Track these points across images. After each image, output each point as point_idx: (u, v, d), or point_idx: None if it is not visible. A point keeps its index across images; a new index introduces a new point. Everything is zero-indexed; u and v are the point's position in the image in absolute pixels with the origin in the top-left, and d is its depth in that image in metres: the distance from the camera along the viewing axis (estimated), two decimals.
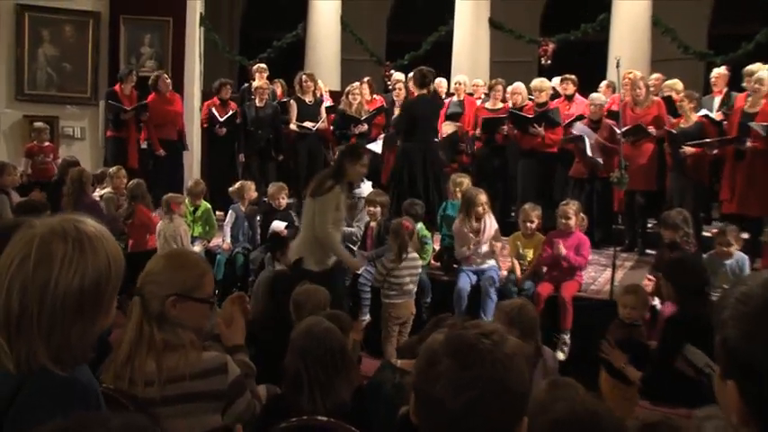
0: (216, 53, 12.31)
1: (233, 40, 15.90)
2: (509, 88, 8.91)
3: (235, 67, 14.62)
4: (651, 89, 7.67)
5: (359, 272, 6.06)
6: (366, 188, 6.72)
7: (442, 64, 11.62)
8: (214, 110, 9.06)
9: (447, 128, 8.66)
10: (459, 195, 6.57)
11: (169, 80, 8.86)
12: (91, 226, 1.48)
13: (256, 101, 8.95)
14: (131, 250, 6.64)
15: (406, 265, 5.43)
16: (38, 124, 9.10)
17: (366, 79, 9.34)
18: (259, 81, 9.29)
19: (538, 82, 8.14)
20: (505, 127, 8.19)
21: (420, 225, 6.12)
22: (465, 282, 5.80)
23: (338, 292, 4.95)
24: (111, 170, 7.66)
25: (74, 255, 1.41)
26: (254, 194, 7.26)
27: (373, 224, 6.24)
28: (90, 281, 1.42)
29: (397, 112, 8.12)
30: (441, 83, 9.72)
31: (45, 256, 1.40)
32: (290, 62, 11.98)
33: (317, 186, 5.09)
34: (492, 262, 5.93)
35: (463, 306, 5.71)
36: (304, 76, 8.89)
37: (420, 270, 5.61)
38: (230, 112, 8.92)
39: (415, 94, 7.15)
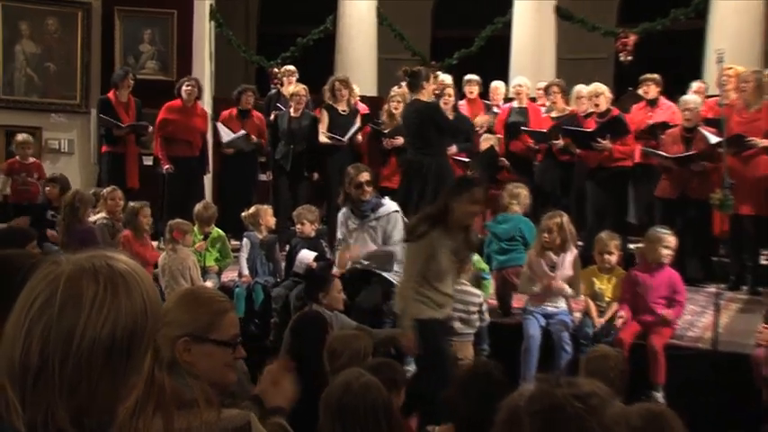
0: (229, 52, 12.47)
1: (249, 37, 16.13)
2: (572, 92, 8.84)
3: (252, 69, 14.80)
4: None
5: None
6: (388, 207, 6.67)
7: (500, 63, 11.64)
8: (221, 125, 9.10)
9: (485, 142, 8.62)
10: (516, 208, 6.61)
11: (190, 87, 8.86)
12: (123, 263, 1.47)
13: (291, 110, 9.00)
14: None
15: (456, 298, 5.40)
16: (21, 137, 9.18)
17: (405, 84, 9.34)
18: (291, 86, 9.36)
19: (593, 87, 8.09)
20: (559, 141, 8.13)
21: (476, 257, 6.09)
22: (535, 328, 5.69)
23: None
24: (104, 191, 7.71)
25: (105, 297, 1.40)
26: (272, 220, 7.26)
27: None
28: (123, 328, 1.40)
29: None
30: (497, 87, 9.71)
31: (72, 299, 1.39)
32: (316, 63, 12.08)
33: (410, 229, 5.08)
34: (562, 303, 5.89)
35: (534, 361, 5.59)
36: (337, 83, 8.94)
37: (476, 307, 5.56)
38: (239, 134, 8.98)
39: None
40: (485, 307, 5.55)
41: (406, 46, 12.61)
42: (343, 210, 6.66)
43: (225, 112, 9.42)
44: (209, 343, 2.14)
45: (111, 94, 9.02)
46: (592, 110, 8.10)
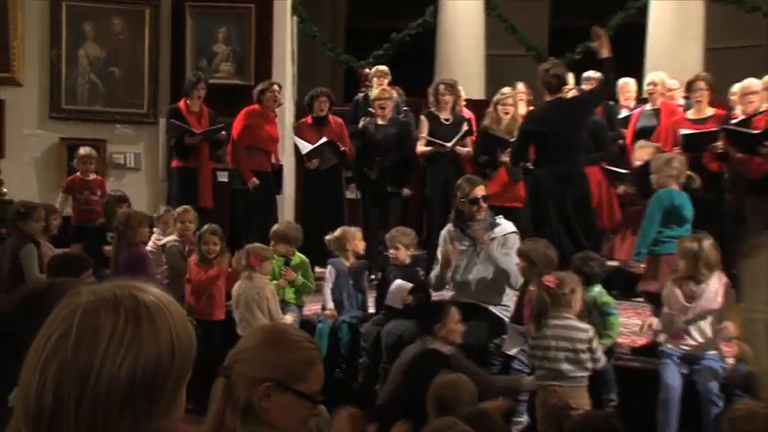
0: (314, 51, 12.62)
1: (336, 34, 16.32)
2: (734, 88, 8.53)
3: (339, 71, 14.96)
4: None
5: (511, 353, 6.01)
6: (504, 228, 6.62)
7: (632, 57, 11.39)
8: (297, 139, 9.22)
9: (642, 151, 8.43)
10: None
11: (274, 93, 9.07)
12: (152, 295, 1.52)
13: (378, 118, 9.07)
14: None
15: (554, 334, 5.31)
16: (84, 150, 9.44)
17: (520, 84, 9.24)
18: (378, 89, 9.45)
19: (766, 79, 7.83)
20: (719, 144, 7.89)
21: (598, 289, 6.00)
22: (674, 376, 5.54)
23: None
24: (175, 211, 7.90)
25: (125, 331, 1.45)
26: (361, 244, 7.27)
27: (532, 287, 6.09)
28: (144, 366, 1.44)
29: None
30: (626, 84, 9.52)
31: (88, 333, 1.44)
32: (414, 62, 12.11)
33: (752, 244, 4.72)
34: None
35: (673, 417, 5.43)
36: (442, 86, 9.01)
37: (584, 344, 5.38)
38: (321, 141, 9.07)
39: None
40: (595, 344, 5.36)
41: (520, 39, 12.47)
42: (449, 227, 6.70)
43: (301, 121, 9.55)
44: (292, 393, 2.25)
45: (181, 103, 9.21)
46: (762, 108, 7.83)
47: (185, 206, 7.98)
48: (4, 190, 9.23)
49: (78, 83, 10.67)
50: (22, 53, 10.58)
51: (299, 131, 9.43)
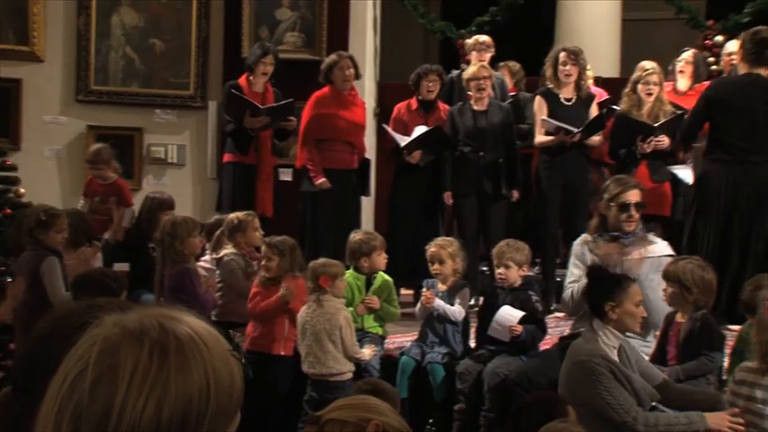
0: (402, 19, 12.62)
1: None
2: None
3: (434, 43, 14.90)
4: None
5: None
6: (659, 249, 6.57)
7: None
8: (389, 129, 9.20)
9: None
10: None
11: (352, 69, 9.03)
12: (187, 326, 1.56)
13: (472, 101, 9.06)
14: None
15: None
16: (97, 146, 9.50)
17: (686, 54, 9.17)
18: (475, 66, 9.33)
19: None
20: None
21: None
22: None
23: None
24: (236, 217, 7.72)
25: (149, 368, 1.48)
26: (460, 262, 7.21)
27: (681, 319, 6.06)
28: (172, 409, 1.47)
29: None
30: None
31: (107, 370, 1.47)
32: (531, 31, 11.97)
33: None
34: None
35: None
36: (562, 54, 8.89)
37: None
38: (422, 129, 8.98)
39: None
40: None
41: None
42: (584, 238, 6.66)
43: (399, 105, 9.50)
44: None
45: (242, 80, 9.19)
46: None
47: (249, 211, 7.93)
48: (22, 190, 9.12)
49: (111, 58, 10.82)
50: (44, 21, 10.73)
51: (397, 118, 9.38)
